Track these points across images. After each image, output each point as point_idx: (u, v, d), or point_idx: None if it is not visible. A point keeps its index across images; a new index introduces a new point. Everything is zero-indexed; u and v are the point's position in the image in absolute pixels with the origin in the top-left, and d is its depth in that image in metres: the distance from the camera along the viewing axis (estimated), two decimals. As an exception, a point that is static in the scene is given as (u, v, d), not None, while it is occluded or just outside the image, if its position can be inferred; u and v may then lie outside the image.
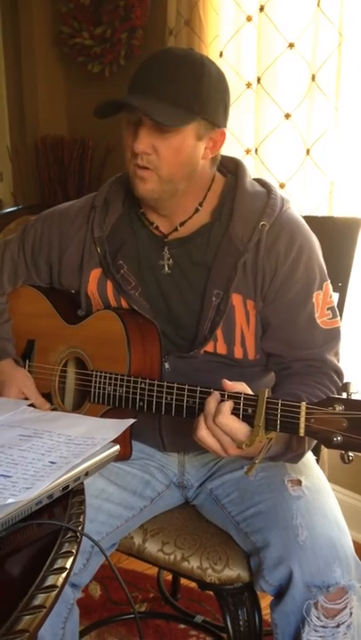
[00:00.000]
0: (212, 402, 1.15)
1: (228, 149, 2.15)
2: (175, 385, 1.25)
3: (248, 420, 1.13)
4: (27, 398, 1.43)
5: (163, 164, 1.25)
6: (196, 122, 1.24)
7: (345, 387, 1.08)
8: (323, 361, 1.31)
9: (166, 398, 1.26)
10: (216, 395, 1.16)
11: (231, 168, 1.40)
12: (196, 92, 1.23)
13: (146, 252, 1.40)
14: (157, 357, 1.37)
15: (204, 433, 1.15)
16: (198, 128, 1.25)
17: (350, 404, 1.05)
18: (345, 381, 1.10)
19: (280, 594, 1.20)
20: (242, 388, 1.17)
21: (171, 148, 1.24)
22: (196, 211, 1.35)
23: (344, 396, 1.07)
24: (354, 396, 1.06)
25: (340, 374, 1.33)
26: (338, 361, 1.34)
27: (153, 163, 1.25)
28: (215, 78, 1.27)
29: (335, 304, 1.37)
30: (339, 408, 1.05)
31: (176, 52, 1.28)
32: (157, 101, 1.21)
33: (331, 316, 1.33)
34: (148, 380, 1.29)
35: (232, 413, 1.13)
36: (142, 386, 1.29)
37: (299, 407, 1.08)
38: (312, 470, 1.36)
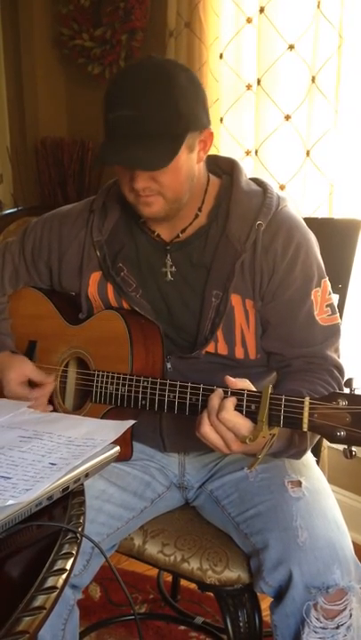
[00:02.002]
0: (215, 398, 1.16)
1: (229, 150, 2.15)
2: (178, 382, 1.25)
3: (251, 416, 1.13)
4: (30, 381, 1.42)
5: (167, 190, 1.25)
6: (185, 139, 1.23)
7: (348, 382, 1.08)
8: (323, 357, 1.32)
9: (169, 396, 1.26)
10: (219, 391, 1.16)
11: (227, 169, 1.40)
12: (175, 111, 1.19)
13: (146, 255, 1.40)
14: (160, 358, 1.37)
15: (207, 429, 1.16)
16: (188, 142, 1.24)
17: (354, 398, 1.05)
18: (348, 377, 1.10)
19: (280, 595, 1.20)
20: (244, 385, 1.17)
21: (169, 174, 1.23)
22: (197, 216, 1.36)
23: (347, 391, 1.07)
24: (357, 392, 1.06)
25: (340, 370, 1.33)
26: (338, 357, 1.34)
27: (156, 190, 1.25)
28: (185, 84, 1.22)
29: (335, 302, 1.37)
30: (342, 403, 1.05)
31: (139, 76, 1.22)
32: (142, 147, 1.19)
33: (330, 312, 1.34)
34: (150, 379, 1.29)
35: (235, 410, 1.14)
36: (144, 384, 1.29)
37: (302, 402, 1.09)
38: (312, 471, 1.36)
